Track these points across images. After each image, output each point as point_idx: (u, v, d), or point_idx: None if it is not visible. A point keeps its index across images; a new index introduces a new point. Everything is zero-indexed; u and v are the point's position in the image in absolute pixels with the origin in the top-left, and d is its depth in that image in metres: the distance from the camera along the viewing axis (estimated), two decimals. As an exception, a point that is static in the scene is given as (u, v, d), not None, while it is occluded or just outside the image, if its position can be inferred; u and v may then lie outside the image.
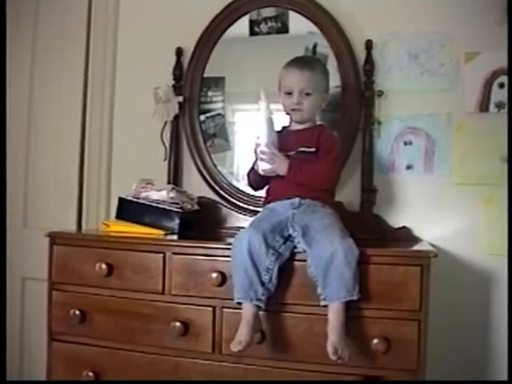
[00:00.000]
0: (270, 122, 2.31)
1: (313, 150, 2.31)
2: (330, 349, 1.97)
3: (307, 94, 2.33)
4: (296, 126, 2.42)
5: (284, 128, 2.47)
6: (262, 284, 2.09)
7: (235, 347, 2.04)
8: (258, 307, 2.09)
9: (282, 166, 2.28)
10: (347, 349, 1.99)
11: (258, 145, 2.31)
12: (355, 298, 2.02)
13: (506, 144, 2.58)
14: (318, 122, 2.47)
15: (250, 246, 2.08)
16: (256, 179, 2.44)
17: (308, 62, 2.47)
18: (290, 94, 2.34)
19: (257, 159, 2.34)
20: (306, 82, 2.32)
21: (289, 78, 2.36)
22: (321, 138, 2.33)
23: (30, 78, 3.26)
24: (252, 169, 2.44)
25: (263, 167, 2.31)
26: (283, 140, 2.37)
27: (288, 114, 2.42)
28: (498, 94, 2.62)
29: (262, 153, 2.29)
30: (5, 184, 3.19)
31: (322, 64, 2.54)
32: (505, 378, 2.52)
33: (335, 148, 2.34)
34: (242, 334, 2.05)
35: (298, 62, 2.40)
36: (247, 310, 2.09)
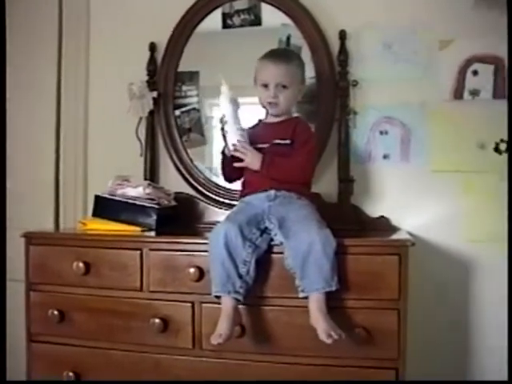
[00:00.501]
0: (235, 103, 2.30)
1: (288, 142, 2.30)
2: (323, 336, 1.96)
3: (283, 87, 2.32)
4: (272, 119, 2.41)
5: (260, 121, 2.46)
6: (240, 276, 2.08)
7: (215, 340, 2.03)
8: (237, 300, 2.08)
9: (254, 161, 2.27)
10: (338, 328, 1.98)
11: (224, 122, 2.30)
12: (333, 288, 2.02)
13: (483, 131, 2.60)
14: (294, 115, 2.47)
15: (226, 238, 2.07)
16: (230, 169, 2.41)
17: (283, 54, 2.46)
18: (265, 86, 2.33)
19: (225, 140, 2.32)
20: (281, 75, 2.31)
21: (264, 72, 2.35)
22: (296, 130, 2.32)
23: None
24: (224, 158, 2.41)
25: (235, 163, 2.31)
26: (259, 133, 2.37)
27: (264, 107, 2.41)
28: (472, 82, 2.63)
29: (234, 147, 2.27)
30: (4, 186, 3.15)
31: (297, 56, 2.53)
32: (485, 366, 2.55)
33: (311, 140, 2.33)
34: (222, 327, 2.04)
35: (273, 55, 2.39)
36: (226, 303, 2.08)
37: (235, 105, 2.30)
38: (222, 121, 2.30)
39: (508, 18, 2.51)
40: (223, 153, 2.39)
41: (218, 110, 2.36)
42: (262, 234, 2.15)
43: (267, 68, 2.34)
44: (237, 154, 2.28)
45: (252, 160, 2.27)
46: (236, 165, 2.31)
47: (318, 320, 1.99)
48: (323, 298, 2.01)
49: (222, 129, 2.30)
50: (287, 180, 2.26)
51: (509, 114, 2.53)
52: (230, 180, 2.51)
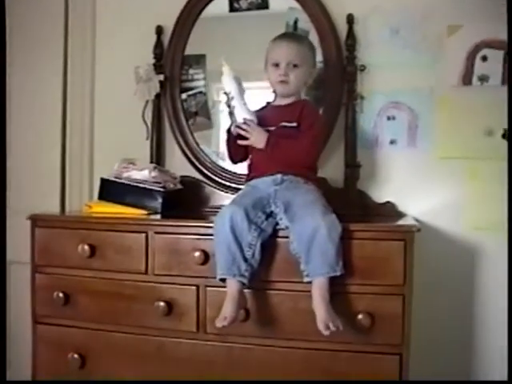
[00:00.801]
0: (238, 80, 2.31)
1: (294, 124, 2.29)
2: (321, 326, 1.96)
3: (294, 66, 2.32)
4: (279, 102, 2.41)
5: (268, 104, 2.46)
6: (245, 260, 2.08)
7: (220, 323, 2.04)
8: (242, 283, 2.08)
9: (259, 140, 2.27)
10: (337, 319, 1.98)
11: (230, 98, 2.29)
12: (338, 273, 2.02)
13: (491, 117, 2.58)
14: (302, 97, 2.45)
15: (232, 221, 2.07)
16: (235, 148, 2.40)
17: (295, 35, 2.50)
18: (277, 65, 2.33)
19: (231, 117, 2.32)
20: (293, 54, 2.32)
21: (276, 50, 2.36)
22: (303, 112, 2.32)
23: (9, 55, 3.20)
24: (229, 137, 2.40)
25: (240, 141, 2.30)
26: (266, 115, 2.36)
27: (274, 88, 2.41)
28: (481, 67, 2.61)
29: (239, 127, 2.27)
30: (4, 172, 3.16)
31: (308, 40, 2.53)
32: (489, 350, 2.55)
33: (317, 123, 2.33)
34: (227, 310, 2.05)
35: (285, 36, 2.43)
36: (232, 286, 2.08)
37: (239, 83, 2.30)
38: (227, 96, 2.30)
39: (508, 20, 2.48)
40: (229, 131, 2.38)
41: (223, 89, 2.34)
42: (267, 218, 2.14)
43: (279, 47, 2.35)
44: (242, 133, 2.28)
45: (257, 139, 2.27)
46: (240, 142, 2.30)
47: (319, 307, 1.99)
48: (326, 284, 2.01)
49: (229, 105, 2.30)
50: (291, 162, 2.25)
51: (509, 101, 2.50)
52: (234, 160, 2.50)
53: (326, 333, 1.95)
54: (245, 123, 2.27)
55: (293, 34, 2.53)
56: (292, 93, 2.37)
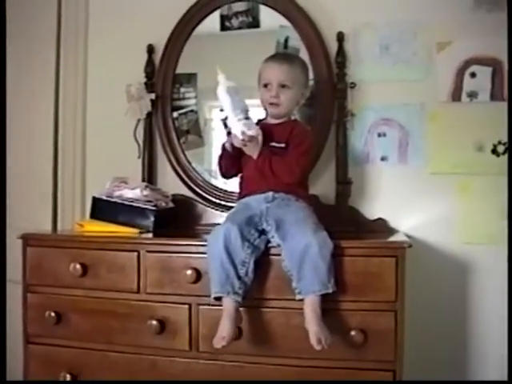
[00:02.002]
0: (234, 90, 2.27)
1: (282, 145, 2.30)
2: (313, 340, 1.96)
3: (284, 87, 2.32)
4: (271, 120, 2.41)
5: (259, 121, 2.46)
6: (239, 277, 2.07)
7: (219, 343, 2.03)
8: (236, 301, 2.07)
9: (254, 150, 2.26)
10: (330, 336, 1.98)
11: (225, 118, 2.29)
12: (330, 290, 2.01)
13: (481, 133, 2.60)
14: (293, 117, 2.46)
15: (226, 239, 2.07)
16: (227, 163, 2.41)
17: (287, 56, 2.49)
18: (267, 86, 2.34)
19: (229, 133, 2.31)
20: (284, 74, 2.32)
21: (267, 71, 2.36)
22: (292, 133, 2.32)
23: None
24: (223, 151, 2.40)
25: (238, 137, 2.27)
26: None
27: (265, 108, 2.41)
28: (470, 84, 2.63)
29: (243, 133, 2.23)
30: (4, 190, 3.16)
31: (301, 60, 2.52)
32: (483, 366, 2.55)
33: (305, 143, 2.32)
34: (225, 329, 2.03)
35: (277, 56, 2.44)
36: (228, 304, 2.07)
37: (234, 93, 2.27)
38: (224, 115, 2.32)
39: (508, 18, 2.50)
40: (223, 146, 2.39)
41: (216, 110, 2.34)
42: (260, 235, 2.14)
43: (270, 67, 2.36)
44: (243, 137, 2.24)
45: (252, 149, 2.26)
46: (236, 144, 2.28)
47: (311, 323, 1.98)
48: (318, 301, 2.01)
49: (225, 123, 2.31)
50: (276, 178, 2.25)
51: (509, 115, 2.52)
52: (226, 175, 2.50)
53: (318, 347, 1.95)
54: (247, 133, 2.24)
55: (285, 55, 2.53)
56: (283, 115, 2.38)
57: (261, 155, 2.26)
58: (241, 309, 2.13)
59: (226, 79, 2.28)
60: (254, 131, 2.24)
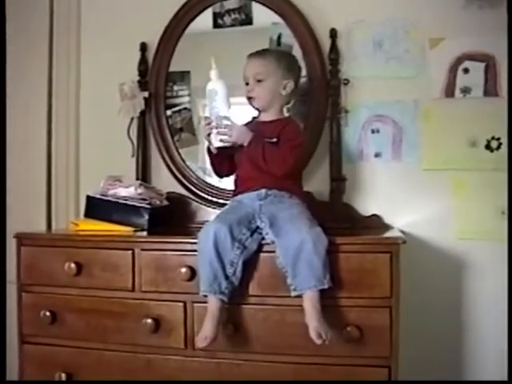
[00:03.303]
0: (223, 91, 2.30)
1: (274, 140, 2.29)
2: (313, 334, 1.97)
3: (259, 81, 2.34)
4: (264, 117, 2.41)
5: (253, 118, 2.47)
6: (226, 277, 2.08)
7: (201, 343, 2.06)
8: (222, 301, 2.08)
9: (242, 137, 2.27)
10: (329, 331, 1.99)
11: (216, 118, 2.29)
12: (326, 286, 2.01)
13: (474, 128, 2.61)
14: (287, 115, 2.47)
15: (215, 238, 2.07)
16: (218, 162, 2.43)
17: (260, 51, 2.46)
18: (248, 84, 2.37)
19: (209, 136, 2.32)
20: (256, 69, 2.35)
21: (245, 69, 2.39)
22: (285, 129, 2.32)
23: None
24: (210, 155, 2.41)
25: (217, 143, 2.29)
26: (250, 130, 2.35)
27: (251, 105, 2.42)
28: (463, 80, 2.63)
29: (217, 127, 2.27)
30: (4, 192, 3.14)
31: (278, 52, 2.53)
32: (478, 361, 2.56)
33: (296, 138, 2.31)
34: (207, 329, 2.06)
35: (251, 54, 2.43)
36: (212, 303, 2.08)
37: (215, 95, 2.30)
38: (208, 117, 2.33)
39: (508, 16, 2.50)
40: (209, 150, 2.39)
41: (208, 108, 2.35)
42: (252, 235, 2.14)
43: (247, 65, 2.39)
44: (221, 133, 2.27)
45: (239, 134, 2.27)
46: (217, 144, 2.29)
47: (311, 317, 1.99)
48: (317, 296, 2.01)
49: (210, 126, 2.30)
50: (268, 166, 2.24)
51: (509, 111, 2.53)
52: (221, 174, 2.51)
53: (319, 341, 1.96)
54: (221, 126, 2.27)
55: (258, 51, 2.48)
56: (264, 106, 2.39)
57: (253, 141, 2.26)
58: (235, 306, 2.15)
59: (217, 76, 2.30)
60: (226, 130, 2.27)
